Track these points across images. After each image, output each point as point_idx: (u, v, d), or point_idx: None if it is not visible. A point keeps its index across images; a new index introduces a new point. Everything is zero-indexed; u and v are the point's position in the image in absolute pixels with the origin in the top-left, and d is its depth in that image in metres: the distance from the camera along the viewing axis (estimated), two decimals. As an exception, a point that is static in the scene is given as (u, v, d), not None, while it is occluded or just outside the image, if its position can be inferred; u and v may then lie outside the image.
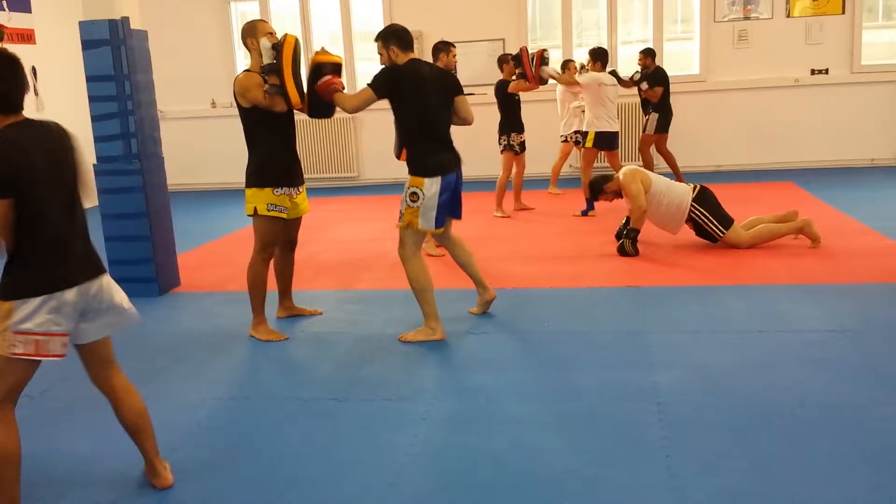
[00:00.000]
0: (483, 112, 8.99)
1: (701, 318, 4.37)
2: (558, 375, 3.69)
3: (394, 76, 4.06)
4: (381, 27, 4.32)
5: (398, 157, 5.27)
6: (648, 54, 8.43)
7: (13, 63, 2.44)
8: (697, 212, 5.79)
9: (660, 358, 3.80)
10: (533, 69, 6.98)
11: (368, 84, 4.08)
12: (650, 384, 3.49)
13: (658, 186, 5.87)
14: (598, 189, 6.20)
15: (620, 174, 6.00)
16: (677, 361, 3.75)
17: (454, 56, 6.01)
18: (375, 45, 4.17)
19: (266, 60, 3.99)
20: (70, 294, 2.48)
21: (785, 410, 3.18)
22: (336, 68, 4.18)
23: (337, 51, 9.75)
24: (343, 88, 4.16)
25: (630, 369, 3.68)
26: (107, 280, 2.64)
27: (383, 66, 4.12)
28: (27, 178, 2.40)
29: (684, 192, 5.86)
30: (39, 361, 2.50)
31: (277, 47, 3.95)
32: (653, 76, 8.31)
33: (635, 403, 3.31)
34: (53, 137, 2.53)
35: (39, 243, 2.45)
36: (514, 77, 7.28)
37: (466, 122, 4.30)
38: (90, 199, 2.68)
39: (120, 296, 2.68)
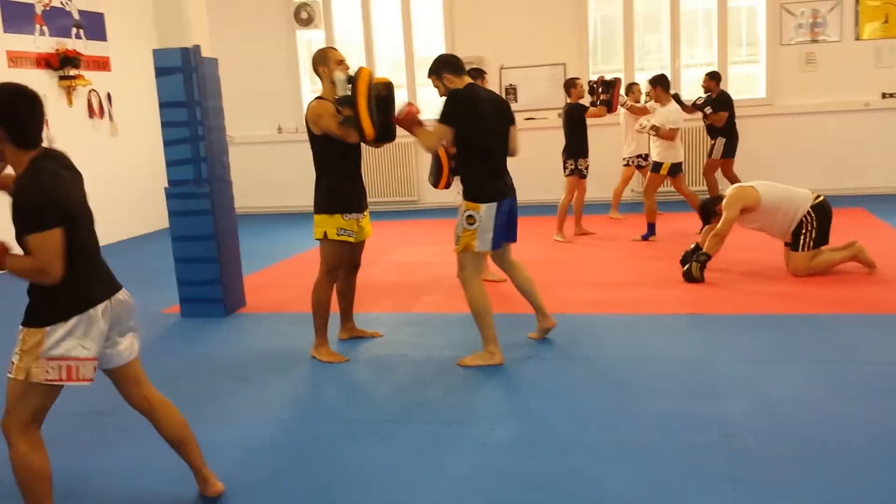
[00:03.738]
0: (543, 136, 9.10)
1: (767, 347, 4.26)
2: (620, 403, 3.63)
3: (458, 102, 4.07)
4: (442, 52, 4.35)
5: (436, 185, 5.21)
6: (713, 77, 8.31)
7: (32, 99, 2.46)
8: (808, 218, 5.67)
9: (725, 388, 3.72)
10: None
11: (438, 119, 4.07)
12: (716, 414, 3.41)
13: (771, 201, 5.72)
14: (710, 211, 6.03)
15: (728, 193, 5.89)
16: (743, 391, 3.66)
17: (486, 83, 5.88)
18: (430, 80, 4.20)
19: (340, 92, 4.05)
20: (99, 310, 2.52)
21: (854, 443, 3.07)
22: (390, 88, 4.15)
23: (399, 77, 9.99)
24: (419, 113, 4.18)
25: (694, 399, 3.60)
26: (125, 295, 2.67)
27: (446, 96, 4.12)
28: (72, 206, 2.46)
29: (804, 200, 5.74)
30: (63, 385, 2.52)
31: (353, 80, 3.99)
32: (717, 101, 8.19)
33: (700, 434, 3.24)
34: (69, 163, 2.59)
35: (78, 268, 2.48)
36: (586, 102, 7.34)
37: (513, 153, 4.33)
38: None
39: (131, 316, 2.71)
